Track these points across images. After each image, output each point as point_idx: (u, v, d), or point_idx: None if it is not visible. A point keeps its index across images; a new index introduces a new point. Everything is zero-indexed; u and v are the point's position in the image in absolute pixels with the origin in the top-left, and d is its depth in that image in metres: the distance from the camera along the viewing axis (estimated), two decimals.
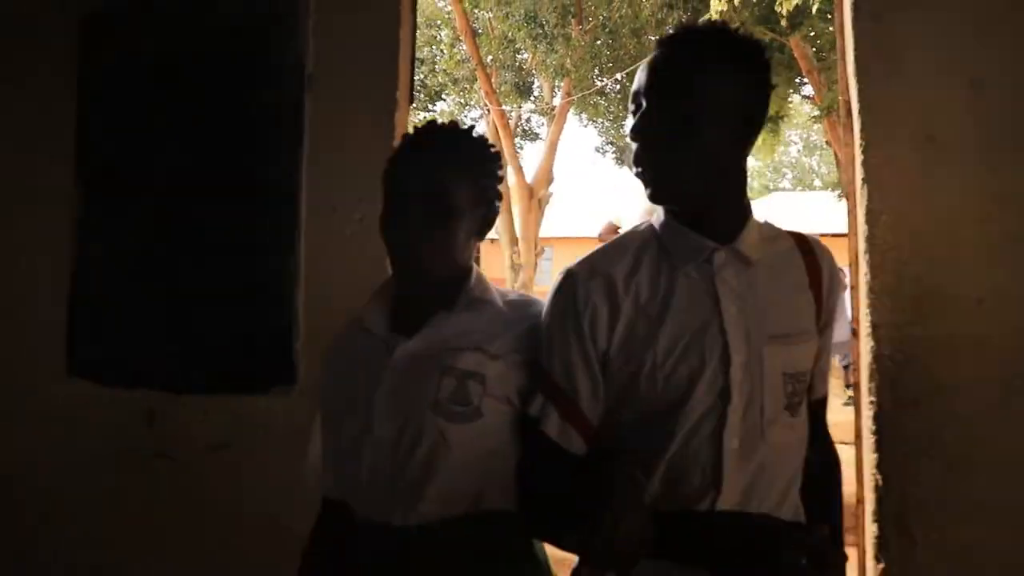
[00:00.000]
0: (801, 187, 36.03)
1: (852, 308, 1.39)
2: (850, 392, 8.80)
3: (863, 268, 1.32)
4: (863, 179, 1.32)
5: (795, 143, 38.21)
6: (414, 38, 1.78)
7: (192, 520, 1.58)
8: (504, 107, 14.19)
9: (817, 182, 35.46)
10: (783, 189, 35.55)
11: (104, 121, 1.87)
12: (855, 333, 1.37)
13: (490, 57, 13.90)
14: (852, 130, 1.40)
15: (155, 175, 1.76)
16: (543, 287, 19.87)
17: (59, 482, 1.67)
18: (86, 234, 1.83)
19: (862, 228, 1.32)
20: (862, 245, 1.32)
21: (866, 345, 1.30)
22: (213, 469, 1.58)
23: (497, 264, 19.58)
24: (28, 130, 2.03)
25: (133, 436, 1.62)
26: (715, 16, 5.82)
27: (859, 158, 1.34)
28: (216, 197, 1.71)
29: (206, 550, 1.60)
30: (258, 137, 1.71)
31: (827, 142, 16.50)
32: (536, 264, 15.10)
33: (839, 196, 14.97)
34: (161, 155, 1.77)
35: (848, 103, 1.42)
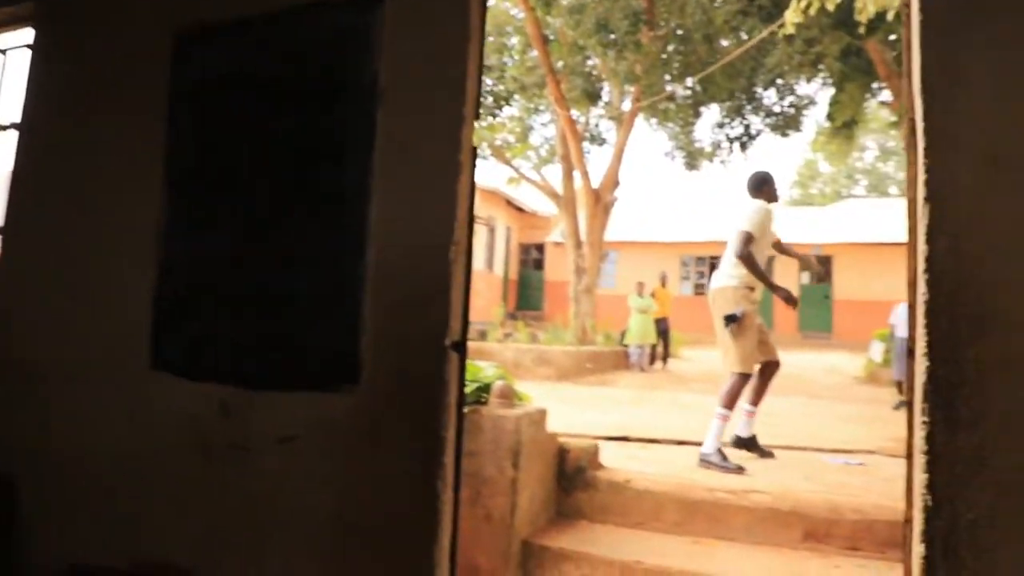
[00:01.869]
0: (876, 193, 34.77)
1: (909, 327, 1.37)
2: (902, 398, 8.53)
3: (921, 287, 1.30)
4: (925, 198, 1.30)
5: (870, 148, 36.93)
6: (482, 53, 1.83)
7: (260, 509, 1.67)
8: (572, 112, 14.18)
9: (892, 189, 34.17)
10: (857, 196, 34.38)
11: (191, 130, 1.99)
12: (911, 352, 1.34)
13: (560, 63, 13.92)
14: (916, 148, 1.38)
15: (236, 183, 1.86)
16: (606, 290, 19.81)
17: (140, 469, 1.80)
18: (171, 236, 1.95)
19: (922, 248, 1.30)
20: (921, 264, 1.30)
21: (921, 364, 1.28)
22: (281, 459, 1.66)
23: (562, 267, 19.60)
24: (120, 135, 2.17)
25: (209, 427, 1.72)
26: (791, 27, 5.67)
27: (921, 176, 1.32)
28: (291, 205, 1.79)
29: (272, 538, 1.69)
30: (333, 149, 1.79)
31: (904, 148, 15.90)
32: (600, 268, 15.04)
33: None
34: (242, 164, 1.87)
35: (912, 121, 1.39)
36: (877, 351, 10.83)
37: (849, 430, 6.58)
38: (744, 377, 4.53)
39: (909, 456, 1.33)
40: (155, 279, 2.01)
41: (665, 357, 13.71)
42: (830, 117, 14.55)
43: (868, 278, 19.65)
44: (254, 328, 1.79)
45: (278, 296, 1.78)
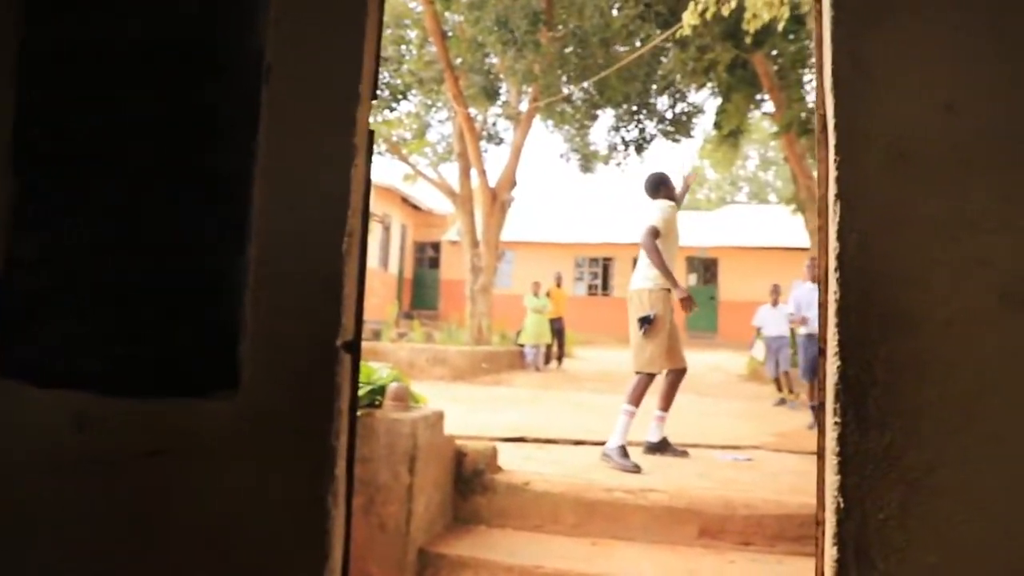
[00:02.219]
0: (756, 200, 36.72)
1: (820, 327, 1.35)
2: (781, 395, 8.97)
3: (832, 286, 1.28)
4: (836, 195, 1.29)
5: (752, 157, 38.95)
6: (380, 30, 1.70)
7: (123, 533, 1.47)
8: (470, 110, 14.12)
9: (772, 196, 36.16)
10: (739, 202, 36.19)
11: (45, 107, 1.75)
12: (822, 352, 1.33)
13: (459, 59, 13.81)
14: (826, 145, 1.37)
15: (97, 165, 1.65)
16: (502, 290, 19.91)
17: None
18: (21, 225, 1.71)
19: (833, 245, 1.29)
20: (832, 262, 1.28)
21: (832, 364, 1.26)
22: (148, 477, 1.47)
23: (458, 265, 19.50)
24: None
25: (63, 441, 1.50)
26: (688, 29, 5.83)
27: (832, 173, 1.30)
28: (162, 190, 1.60)
29: (137, 565, 1.49)
30: (210, 128, 1.61)
31: (785, 158, 16.82)
32: (496, 267, 15.05)
33: (793, 211, 15.22)
34: (105, 144, 1.65)
35: (823, 117, 1.38)
36: (759, 350, 11.34)
37: (735, 426, 6.83)
38: (650, 377, 4.58)
39: (820, 457, 1.32)
40: (0, 274, 1.76)
41: (560, 357, 13.87)
42: (717, 125, 15.19)
43: (751, 280, 20.64)
44: (117, 328, 1.58)
45: (146, 292, 1.58)
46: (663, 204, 4.78)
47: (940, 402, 1.21)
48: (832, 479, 1.23)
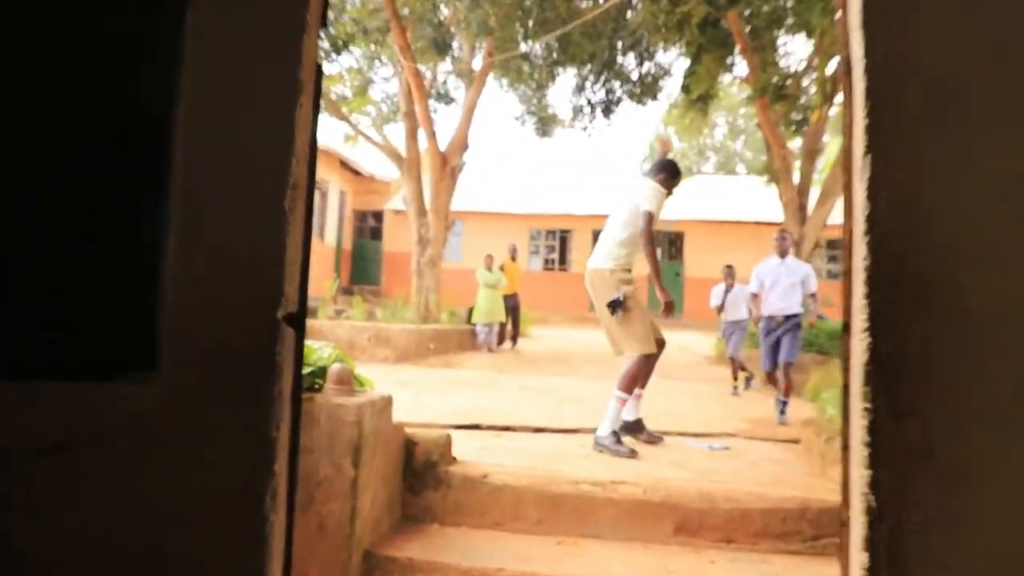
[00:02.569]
0: (724, 171, 37.14)
1: (844, 298, 1.27)
2: (746, 375, 9.06)
3: (861, 251, 1.20)
4: (866, 147, 1.20)
5: (720, 126, 39.33)
6: None
7: (26, 534, 1.32)
8: (419, 65, 13.82)
9: (740, 167, 36.63)
10: (706, 172, 36.53)
11: None
12: (846, 328, 1.25)
13: (406, 8, 13.47)
14: (850, 91, 1.28)
15: None
16: (451, 263, 19.66)
17: None
18: None
19: (862, 205, 1.20)
20: (861, 225, 1.20)
21: (861, 342, 1.18)
22: (50, 472, 1.32)
23: (402, 236, 19.24)
24: None
25: None
26: None
27: (862, 123, 1.22)
28: (65, 139, 1.43)
29: (42, 571, 1.35)
30: (123, 64, 1.44)
31: (757, 125, 16.95)
32: (445, 238, 14.86)
33: (767, 181, 15.38)
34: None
35: (847, 59, 1.29)
36: None
37: (706, 411, 6.87)
38: (645, 359, 4.56)
39: (845, 448, 1.24)
40: None
41: (515, 337, 13.81)
42: (686, 89, 15.19)
43: (719, 256, 20.90)
44: (11, 300, 1.42)
45: (45, 257, 1.42)
46: (657, 189, 4.75)
47: (984, 385, 1.14)
48: (861, 474, 1.16)
